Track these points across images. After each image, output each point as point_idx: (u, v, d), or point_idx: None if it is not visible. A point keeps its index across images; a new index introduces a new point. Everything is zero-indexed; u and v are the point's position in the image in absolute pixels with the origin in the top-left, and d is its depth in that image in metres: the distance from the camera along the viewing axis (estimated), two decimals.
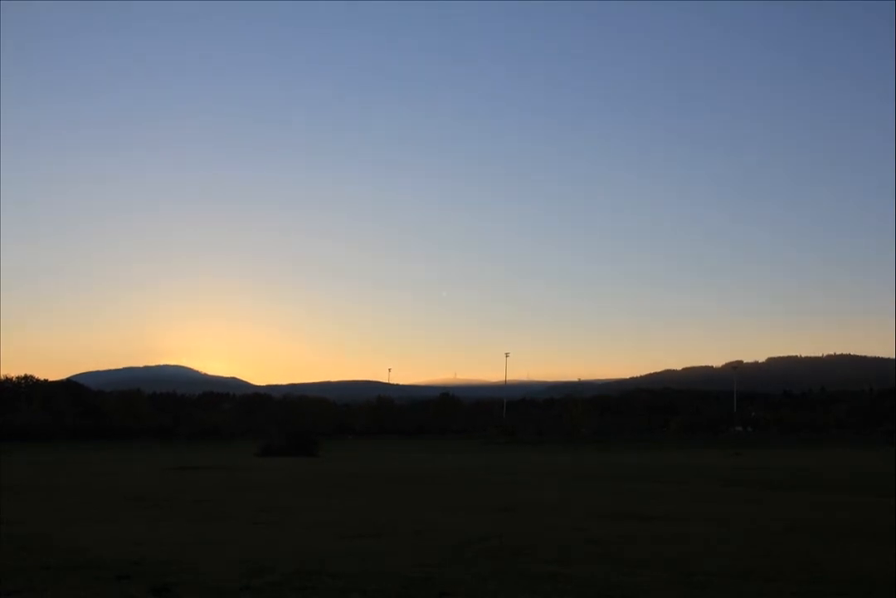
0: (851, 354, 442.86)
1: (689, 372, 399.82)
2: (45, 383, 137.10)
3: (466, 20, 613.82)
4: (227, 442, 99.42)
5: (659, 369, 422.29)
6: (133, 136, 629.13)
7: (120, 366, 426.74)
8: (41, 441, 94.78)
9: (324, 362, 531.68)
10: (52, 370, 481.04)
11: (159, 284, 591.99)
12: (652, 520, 15.91)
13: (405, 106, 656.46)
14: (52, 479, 30.30)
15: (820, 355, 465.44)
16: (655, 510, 17.81)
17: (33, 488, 25.28)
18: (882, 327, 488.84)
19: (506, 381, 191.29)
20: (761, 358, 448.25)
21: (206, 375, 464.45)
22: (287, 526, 14.87)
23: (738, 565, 10.47)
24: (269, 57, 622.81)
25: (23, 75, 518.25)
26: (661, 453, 66.29)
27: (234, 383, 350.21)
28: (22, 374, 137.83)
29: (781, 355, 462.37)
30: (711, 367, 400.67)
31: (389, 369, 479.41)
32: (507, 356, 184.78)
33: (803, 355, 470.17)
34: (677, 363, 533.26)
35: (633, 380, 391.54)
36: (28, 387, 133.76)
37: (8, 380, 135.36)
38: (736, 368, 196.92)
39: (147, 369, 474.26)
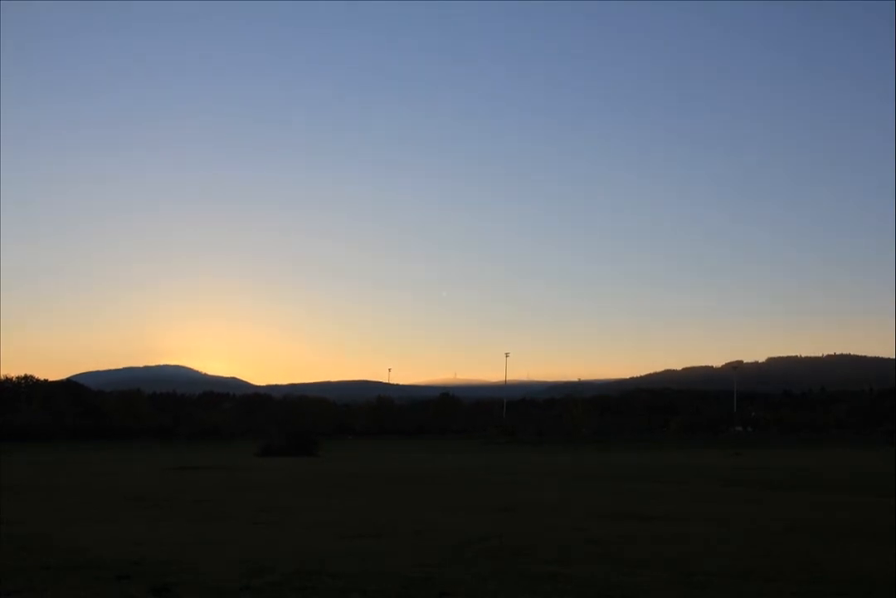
0: (851, 354, 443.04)
1: (689, 372, 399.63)
2: (45, 383, 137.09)
3: (466, 20, 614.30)
4: (227, 442, 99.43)
5: (659, 369, 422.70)
6: (133, 136, 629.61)
7: (120, 366, 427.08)
8: (41, 441, 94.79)
9: (324, 362, 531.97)
10: (52, 370, 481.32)
11: (159, 284, 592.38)
12: (652, 520, 15.91)
13: (405, 106, 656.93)
14: (52, 479, 30.31)
15: (820, 355, 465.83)
16: (655, 510, 17.81)
17: (33, 488, 25.29)
18: (882, 327, 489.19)
19: (506, 381, 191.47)
20: (761, 358, 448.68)
21: (206, 375, 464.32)
22: (287, 526, 14.88)
23: (738, 565, 10.47)
24: (269, 57, 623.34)
25: (23, 75, 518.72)
26: (661, 453, 66.29)
27: (234, 383, 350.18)
28: (22, 374, 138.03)
29: (781, 355, 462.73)
30: (711, 367, 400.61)
31: (389, 369, 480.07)
32: (507, 356, 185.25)
33: (803, 355, 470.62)
34: (677, 363, 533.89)
35: (633, 380, 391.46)
36: (28, 387, 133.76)
37: (8, 380, 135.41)
38: (736, 368, 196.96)
39: (147, 369, 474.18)
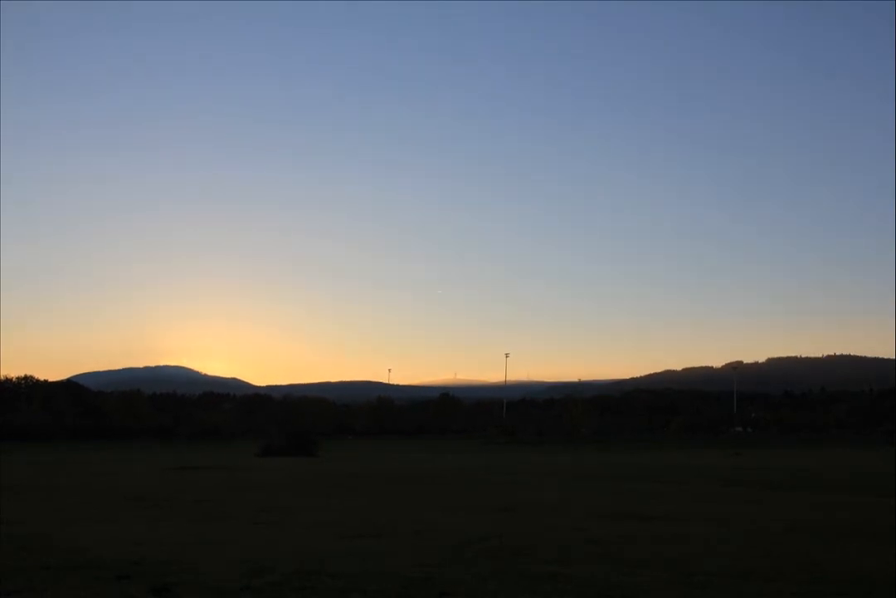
0: (851, 354, 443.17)
1: (690, 372, 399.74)
2: (46, 384, 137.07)
3: (466, 20, 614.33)
4: (228, 442, 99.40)
5: (659, 370, 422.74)
6: (133, 136, 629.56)
7: (120, 366, 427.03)
8: (41, 441, 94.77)
9: (324, 362, 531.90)
10: (52, 371, 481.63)
11: (159, 285, 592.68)
12: (652, 520, 15.91)
13: (405, 106, 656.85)
14: (52, 479, 30.31)
15: (820, 355, 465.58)
16: (655, 510, 17.81)
17: (33, 488, 25.28)
18: (882, 327, 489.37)
19: (506, 381, 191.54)
20: (761, 358, 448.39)
21: (206, 375, 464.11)
22: (287, 526, 14.88)
23: (738, 565, 10.47)
24: (269, 57, 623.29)
25: (23, 75, 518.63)
26: (662, 453, 66.28)
27: (234, 383, 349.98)
28: (22, 374, 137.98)
29: (781, 355, 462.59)
30: (711, 367, 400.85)
31: (389, 370, 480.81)
32: (507, 357, 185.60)
33: (803, 355, 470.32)
34: (677, 364, 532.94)
35: (633, 380, 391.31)
36: (28, 387, 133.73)
37: (8, 380, 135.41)
38: (736, 368, 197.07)
39: (147, 369, 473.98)
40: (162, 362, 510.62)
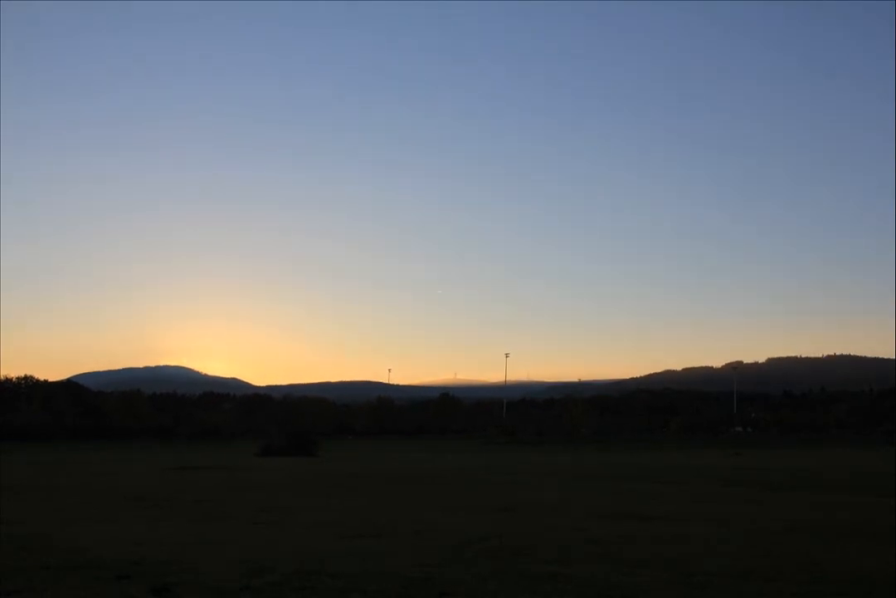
0: (851, 354, 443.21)
1: (689, 372, 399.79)
2: (46, 384, 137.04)
3: (466, 20, 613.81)
4: (228, 442, 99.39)
5: (659, 370, 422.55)
6: (133, 136, 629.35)
7: (120, 366, 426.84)
8: (41, 441, 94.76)
9: (324, 362, 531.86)
10: (53, 371, 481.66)
11: (159, 285, 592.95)
12: (652, 520, 15.91)
13: (405, 106, 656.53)
14: (52, 479, 30.30)
15: (820, 355, 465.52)
16: (655, 511, 17.81)
17: (33, 488, 25.28)
18: (882, 327, 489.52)
19: (506, 381, 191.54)
20: (761, 358, 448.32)
21: (206, 375, 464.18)
22: (287, 526, 14.88)
23: (738, 565, 10.47)
24: (268, 57, 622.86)
25: (23, 75, 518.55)
26: (661, 453, 66.27)
27: (234, 383, 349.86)
28: (22, 374, 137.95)
29: (781, 355, 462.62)
30: (711, 367, 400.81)
31: (389, 370, 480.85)
32: (507, 357, 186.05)
33: (803, 355, 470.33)
34: (677, 364, 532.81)
35: (633, 380, 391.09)
36: (28, 387, 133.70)
37: (8, 380, 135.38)
38: (736, 368, 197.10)
39: (147, 369, 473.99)
40: (162, 362, 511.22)
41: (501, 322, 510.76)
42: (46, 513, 17.42)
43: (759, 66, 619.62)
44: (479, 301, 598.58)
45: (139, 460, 50.47)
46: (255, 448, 56.41)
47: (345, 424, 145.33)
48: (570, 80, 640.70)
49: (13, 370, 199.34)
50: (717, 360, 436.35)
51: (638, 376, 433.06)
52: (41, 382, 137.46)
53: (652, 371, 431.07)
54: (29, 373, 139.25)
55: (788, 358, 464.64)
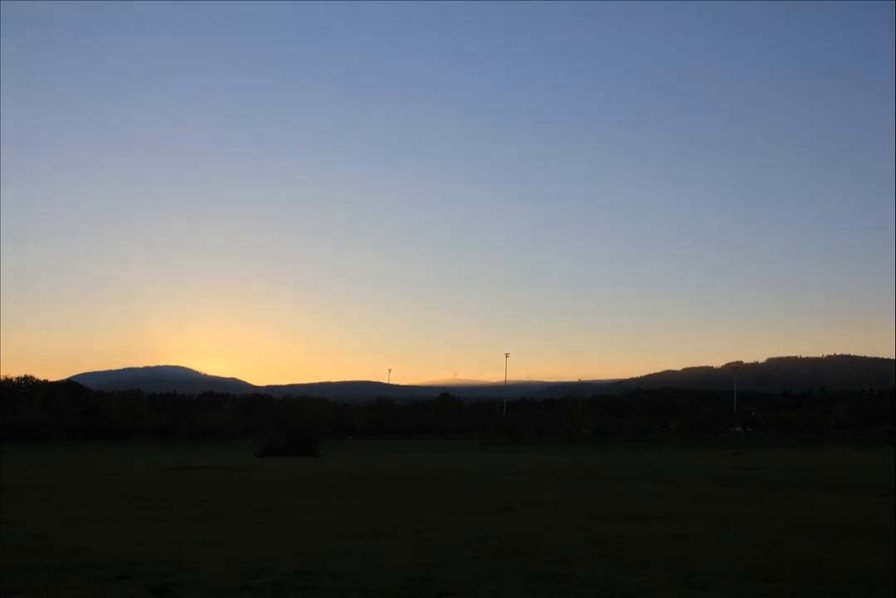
0: (851, 354, 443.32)
1: (689, 372, 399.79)
2: (46, 384, 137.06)
3: (466, 20, 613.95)
4: (227, 442, 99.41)
5: (659, 370, 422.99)
6: (133, 136, 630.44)
7: (120, 366, 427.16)
8: (41, 441, 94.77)
9: (324, 362, 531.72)
10: (53, 371, 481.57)
11: (159, 285, 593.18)
12: (652, 520, 15.91)
13: (405, 106, 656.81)
14: (52, 479, 30.30)
15: (820, 355, 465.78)
16: (655, 510, 17.81)
17: (33, 488, 25.28)
18: (882, 327, 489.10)
19: (506, 381, 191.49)
20: (761, 358, 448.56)
21: (206, 375, 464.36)
22: (287, 526, 14.88)
23: (738, 565, 10.47)
24: (268, 57, 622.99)
25: (23, 75, 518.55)
26: (661, 453, 66.28)
27: (234, 383, 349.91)
28: (22, 374, 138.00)
29: (781, 355, 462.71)
30: (711, 367, 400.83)
31: (389, 370, 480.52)
32: (507, 357, 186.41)
33: (803, 355, 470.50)
34: (677, 364, 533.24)
35: (633, 380, 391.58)
36: (28, 387, 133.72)
37: (8, 380, 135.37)
38: (736, 368, 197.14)
39: (147, 369, 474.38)
40: (162, 363, 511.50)
41: (501, 322, 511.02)
42: (46, 513, 17.41)
43: (759, 66, 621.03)
44: (479, 301, 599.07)
45: (139, 460, 50.47)
46: (255, 448, 56.40)
47: (345, 424, 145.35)
48: (570, 80, 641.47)
49: (13, 370, 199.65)
50: (717, 360, 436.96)
51: (638, 376, 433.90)
52: (41, 382, 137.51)
53: (652, 371, 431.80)
54: (29, 373, 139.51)
55: (788, 358, 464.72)
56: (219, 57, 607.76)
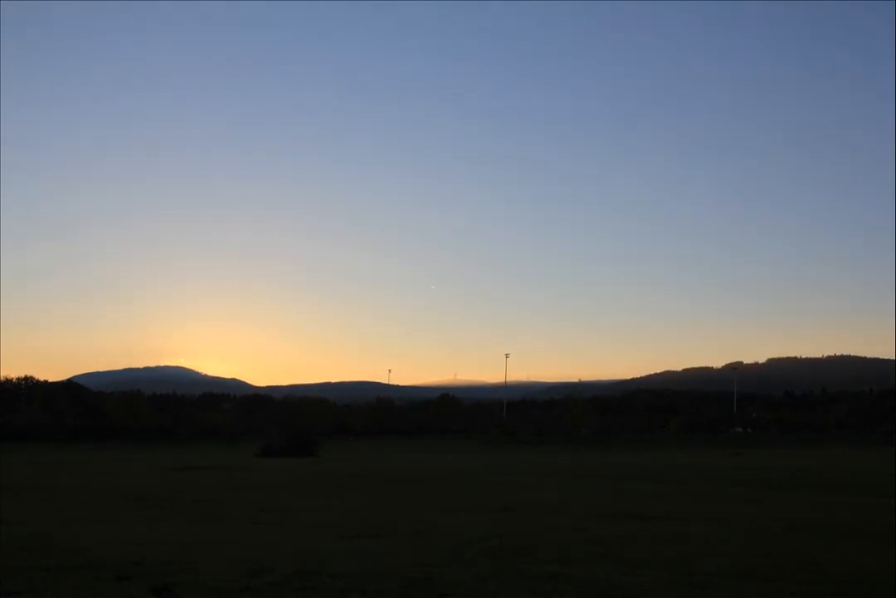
0: (851, 354, 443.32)
1: (689, 373, 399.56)
2: (46, 384, 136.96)
3: (466, 20, 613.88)
4: (227, 442, 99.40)
5: (659, 370, 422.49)
6: (133, 136, 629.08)
7: (120, 367, 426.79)
8: (41, 441, 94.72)
9: (324, 362, 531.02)
10: (53, 371, 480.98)
11: (159, 285, 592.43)
12: (652, 520, 15.91)
13: (405, 106, 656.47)
14: (52, 479, 30.31)
15: (820, 355, 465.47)
16: (656, 510, 17.81)
17: (33, 488, 25.29)
18: (882, 327, 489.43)
19: (506, 381, 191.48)
20: (761, 359, 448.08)
21: (206, 376, 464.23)
22: (287, 526, 14.88)
23: (738, 565, 10.47)
24: (268, 57, 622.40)
25: (24, 76, 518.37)
26: (662, 453, 66.29)
27: (234, 383, 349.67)
28: (22, 375, 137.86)
29: (781, 355, 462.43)
30: (711, 368, 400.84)
31: (389, 370, 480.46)
32: (507, 357, 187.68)
33: (803, 355, 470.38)
34: (677, 364, 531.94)
35: (633, 381, 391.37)
36: (28, 388, 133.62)
37: (8, 381, 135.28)
38: (736, 368, 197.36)
39: (147, 369, 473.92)
40: (162, 363, 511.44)
41: (501, 322, 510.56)
42: (46, 513, 17.42)
43: (759, 66, 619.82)
44: (479, 301, 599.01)
45: (139, 460, 50.47)
46: (255, 448, 56.39)
47: (345, 424, 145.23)
48: (570, 80, 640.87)
49: (13, 371, 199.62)
50: (717, 360, 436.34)
51: (638, 376, 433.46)
52: (41, 382, 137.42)
53: (652, 371, 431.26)
54: (29, 373, 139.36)
55: (788, 358, 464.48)
56: (219, 57, 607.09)
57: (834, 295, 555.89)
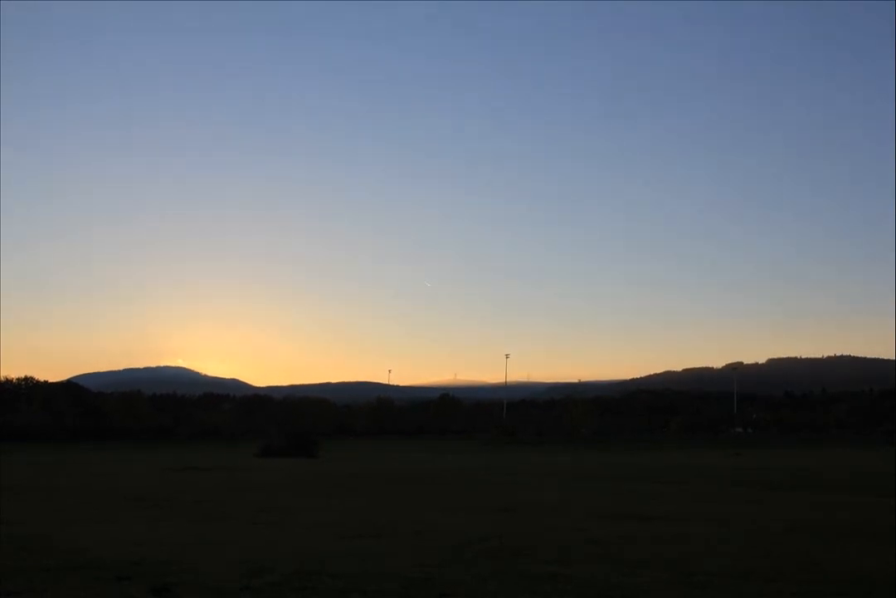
0: (851, 355, 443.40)
1: (689, 373, 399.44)
2: (46, 385, 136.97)
3: (466, 20, 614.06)
4: (227, 443, 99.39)
5: (659, 370, 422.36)
6: (134, 137, 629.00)
7: (120, 367, 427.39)
8: (41, 442, 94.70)
9: (324, 363, 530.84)
10: (53, 371, 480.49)
11: (159, 285, 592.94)
12: (652, 520, 15.91)
13: (405, 106, 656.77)
14: (52, 479, 30.30)
15: (820, 356, 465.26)
16: (656, 511, 17.81)
17: (33, 488, 25.28)
18: (882, 327, 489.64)
19: (506, 382, 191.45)
20: (761, 359, 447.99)
21: (206, 376, 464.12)
22: (287, 526, 14.88)
23: (738, 565, 10.48)
24: (269, 57, 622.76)
25: (24, 76, 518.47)
26: (662, 453, 66.31)
27: (234, 384, 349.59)
28: (22, 375, 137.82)
29: (781, 356, 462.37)
30: (711, 368, 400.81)
31: (389, 370, 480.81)
32: (507, 357, 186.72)
33: (803, 356, 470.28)
34: (677, 364, 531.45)
35: (633, 381, 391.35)
36: (28, 388, 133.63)
37: (8, 381, 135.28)
38: (736, 369, 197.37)
39: (147, 370, 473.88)
40: (162, 363, 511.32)
41: (501, 322, 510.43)
42: (46, 513, 17.41)
43: (760, 66, 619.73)
44: (479, 301, 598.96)
45: (139, 461, 50.47)
46: (255, 449, 56.40)
47: (345, 424, 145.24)
48: (569, 80, 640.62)
49: (13, 371, 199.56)
50: (717, 360, 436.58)
51: (638, 376, 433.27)
52: (41, 382, 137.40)
53: (652, 372, 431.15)
54: (29, 374, 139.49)
55: (788, 359, 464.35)
56: (219, 57, 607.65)
57: (834, 295, 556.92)
